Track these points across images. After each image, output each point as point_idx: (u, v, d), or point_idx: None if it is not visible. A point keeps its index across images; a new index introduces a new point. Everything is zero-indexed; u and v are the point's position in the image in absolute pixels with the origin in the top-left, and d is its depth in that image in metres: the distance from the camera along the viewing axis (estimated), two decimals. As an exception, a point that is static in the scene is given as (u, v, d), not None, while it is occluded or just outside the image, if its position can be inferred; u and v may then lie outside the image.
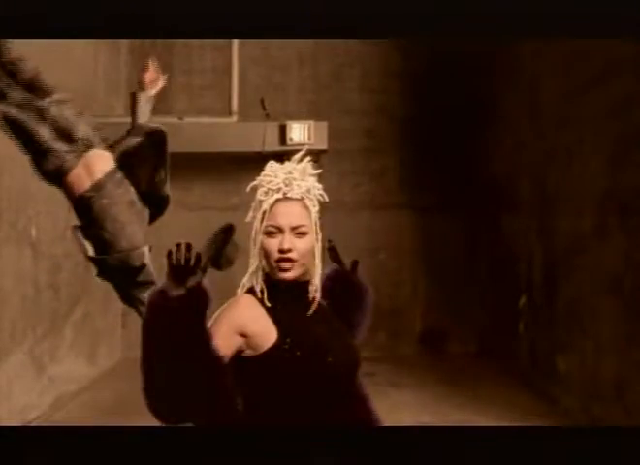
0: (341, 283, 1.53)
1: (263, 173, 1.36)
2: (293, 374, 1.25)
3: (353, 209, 6.61)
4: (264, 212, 1.31)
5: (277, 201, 1.31)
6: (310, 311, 1.35)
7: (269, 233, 1.31)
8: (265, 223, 1.31)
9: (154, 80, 2.74)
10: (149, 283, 2.54)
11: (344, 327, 1.42)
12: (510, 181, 5.81)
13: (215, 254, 2.60)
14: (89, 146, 2.37)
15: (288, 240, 1.30)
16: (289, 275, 1.32)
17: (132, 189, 2.42)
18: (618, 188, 3.94)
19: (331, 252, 1.59)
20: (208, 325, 1.24)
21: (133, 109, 2.72)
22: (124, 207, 2.39)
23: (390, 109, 6.67)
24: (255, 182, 1.36)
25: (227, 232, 2.70)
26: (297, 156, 1.38)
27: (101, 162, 2.38)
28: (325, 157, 6.17)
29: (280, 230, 1.30)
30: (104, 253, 2.44)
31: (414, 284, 6.67)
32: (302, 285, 1.35)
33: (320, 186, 1.39)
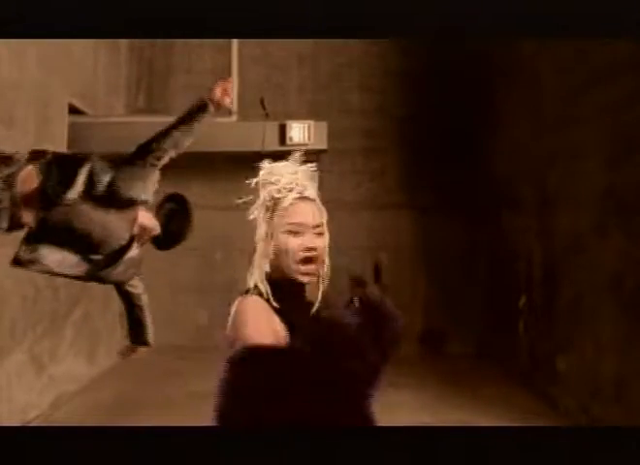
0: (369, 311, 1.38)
1: (267, 171, 1.33)
2: (300, 372, 1.23)
3: (353, 209, 6.62)
4: (285, 209, 1.29)
5: (296, 199, 1.30)
6: (314, 308, 1.34)
7: (290, 232, 1.29)
8: (285, 221, 1.29)
9: (223, 97, 2.60)
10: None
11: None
12: (510, 181, 5.81)
13: (163, 226, 2.40)
14: (11, 184, 2.25)
15: (311, 239, 1.29)
16: (309, 279, 1.31)
17: (77, 186, 2.24)
18: (617, 188, 3.94)
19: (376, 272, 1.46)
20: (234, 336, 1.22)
21: (189, 115, 2.49)
22: (79, 205, 2.24)
23: (390, 109, 6.67)
24: (260, 178, 1.34)
25: (173, 200, 2.48)
26: (297, 156, 1.37)
27: (29, 185, 2.25)
28: (325, 157, 6.17)
29: (303, 228, 1.29)
30: (87, 251, 2.32)
31: (414, 284, 6.67)
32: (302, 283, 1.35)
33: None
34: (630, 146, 3.81)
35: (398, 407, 4.79)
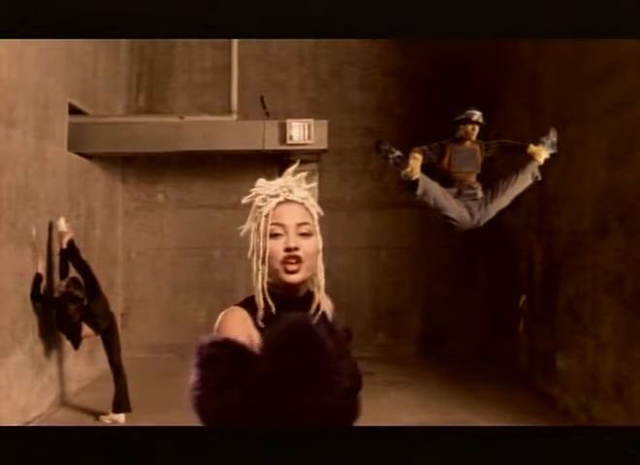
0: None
1: (257, 186, 1.31)
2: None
3: (353, 209, 6.62)
4: (266, 215, 1.26)
5: (279, 203, 1.27)
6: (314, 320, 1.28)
7: (272, 235, 1.26)
8: (268, 225, 1.26)
9: None
10: None
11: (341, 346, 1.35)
12: (510, 181, 5.81)
13: None
14: None
15: (293, 239, 1.25)
16: (296, 278, 1.25)
17: None
18: (618, 188, 3.94)
19: None
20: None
21: None
22: None
23: (390, 107, 6.67)
24: (249, 196, 1.32)
25: None
26: (290, 169, 1.35)
27: None
28: (325, 156, 6.16)
29: (284, 229, 1.26)
30: None
31: (414, 284, 6.67)
32: (304, 299, 1.30)
33: (314, 201, 1.34)
34: (630, 146, 3.81)
35: (397, 406, 4.79)
